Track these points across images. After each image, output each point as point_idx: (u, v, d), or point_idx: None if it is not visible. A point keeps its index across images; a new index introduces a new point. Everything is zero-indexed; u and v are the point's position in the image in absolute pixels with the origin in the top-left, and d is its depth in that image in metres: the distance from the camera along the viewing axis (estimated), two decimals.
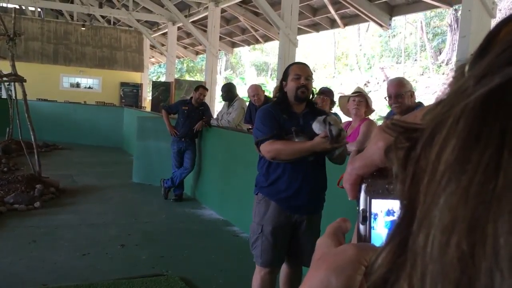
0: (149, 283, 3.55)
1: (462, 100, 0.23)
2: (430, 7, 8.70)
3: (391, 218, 0.43)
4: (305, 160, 2.62)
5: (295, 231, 2.74)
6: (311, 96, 2.79)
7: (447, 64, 22.66)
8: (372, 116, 4.17)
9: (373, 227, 0.44)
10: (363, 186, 0.43)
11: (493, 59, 0.23)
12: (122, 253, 4.28)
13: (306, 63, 2.95)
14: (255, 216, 2.79)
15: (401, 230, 0.27)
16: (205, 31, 11.73)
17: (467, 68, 0.25)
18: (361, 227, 0.44)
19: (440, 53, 24.21)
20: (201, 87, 6.49)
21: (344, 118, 4.50)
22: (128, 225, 5.19)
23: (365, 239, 0.43)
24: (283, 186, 2.67)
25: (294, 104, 2.73)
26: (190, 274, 3.80)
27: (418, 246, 0.24)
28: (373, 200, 0.43)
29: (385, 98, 3.39)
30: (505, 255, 0.20)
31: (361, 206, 0.43)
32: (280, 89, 2.85)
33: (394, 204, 0.43)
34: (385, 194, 0.42)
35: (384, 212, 0.44)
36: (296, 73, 2.71)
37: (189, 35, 15.29)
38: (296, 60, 7.42)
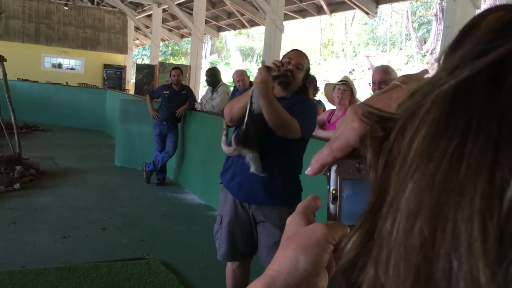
0: (130, 266, 3.56)
1: (434, 90, 0.24)
2: None
3: None
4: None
5: (255, 226, 2.55)
6: (300, 88, 2.56)
7: (431, 53, 22.86)
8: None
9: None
10: (334, 167, 0.44)
11: (466, 52, 0.24)
12: (103, 237, 4.26)
13: (305, 54, 2.70)
14: (218, 206, 2.72)
15: (371, 216, 0.28)
16: (190, 14, 11.59)
17: (442, 59, 0.26)
18: (331, 206, 0.44)
19: (425, 43, 24.38)
20: (173, 69, 6.51)
21: (328, 106, 4.52)
22: (109, 208, 5.17)
23: (335, 218, 0.44)
24: (232, 173, 2.55)
25: (277, 88, 2.51)
26: (171, 258, 3.81)
27: (385, 231, 0.25)
28: (343, 180, 0.44)
29: (369, 84, 3.44)
30: (463, 241, 0.20)
31: (332, 186, 0.44)
32: None
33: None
34: (355, 174, 0.43)
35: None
36: (288, 57, 2.56)
37: (174, 17, 15.11)
38: (282, 46, 7.40)
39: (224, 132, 2.67)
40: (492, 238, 0.20)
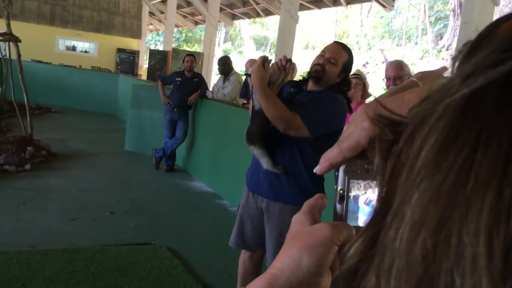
0: (136, 251, 3.59)
1: (446, 98, 0.23)
2: None
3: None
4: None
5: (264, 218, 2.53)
6: (337, 84, 2.41)
7: (447, 49, 22.56)
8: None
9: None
10: (342, 166, 0.43)
11: (480, 61, 0.23)
12: (111, 220, 4.30)
13: (347, 46, 2.53)
14: None
15: (376, 222, 0.27)
16: (205, 1, 11.54)
17: (456, 65, 0.25)
18: (338, 206, 0.44)
19: (441, 38, 24.06)
20: (186, 56, 6.47)
21: None
22: (117, 192, 5.21)
23: (341, 218, 0.44)
24: (252, 163, 2.56)
25: (310, 82, 2.42)
26: (177, 245, 3.83)
27: (389, 239, 0.24)
28: (351, 180, 0.43)
29: (383, 79, 3.41)
30: (468, 256, 0.20)
31: (339, 186, 0.44)
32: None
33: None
34: (364, 175, 0.43)
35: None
36: (323, 50, 2.41)
37: (189, 4, 15.06)
38: (296, 36, 7.35)
39: None
40: (497, 255, 0.19)
